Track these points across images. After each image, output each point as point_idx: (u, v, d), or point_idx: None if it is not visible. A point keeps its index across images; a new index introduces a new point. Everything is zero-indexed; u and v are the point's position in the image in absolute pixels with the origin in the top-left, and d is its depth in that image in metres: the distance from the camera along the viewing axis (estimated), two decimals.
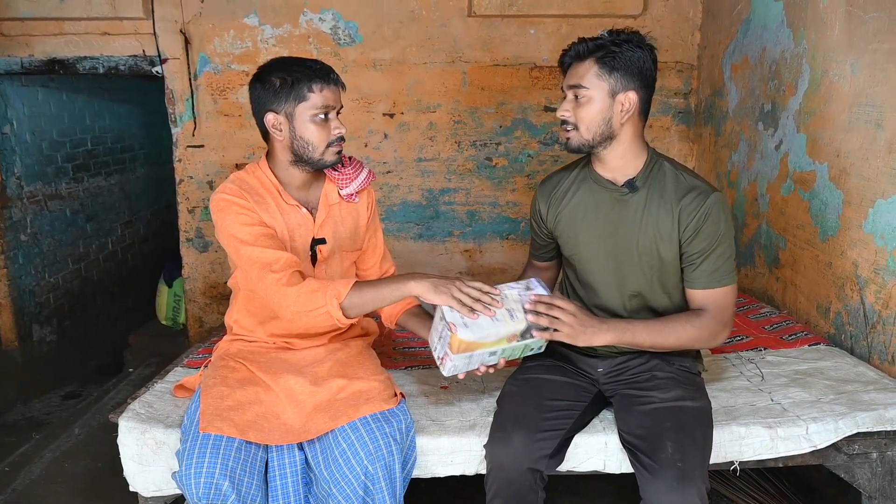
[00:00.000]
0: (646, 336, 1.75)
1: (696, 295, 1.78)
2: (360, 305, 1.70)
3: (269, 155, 1.88)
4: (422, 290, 1.66)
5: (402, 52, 3.57)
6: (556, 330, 1.68)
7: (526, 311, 1.67)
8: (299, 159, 1.81)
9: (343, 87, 1.82)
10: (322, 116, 1.77)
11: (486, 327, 1.63)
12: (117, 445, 1.83)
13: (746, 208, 3.05)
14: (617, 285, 1.85)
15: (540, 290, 1.73)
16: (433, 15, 3.53)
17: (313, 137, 1.77)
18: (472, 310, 1.62)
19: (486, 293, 1.66)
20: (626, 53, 1.69)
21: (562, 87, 1.79)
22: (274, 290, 1.71)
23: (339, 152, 1.84)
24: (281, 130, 1.78)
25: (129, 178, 5.03)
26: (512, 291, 1.71)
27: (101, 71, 3.56)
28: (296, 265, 1.77)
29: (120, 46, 3.54)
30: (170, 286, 4.32)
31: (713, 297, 1.76)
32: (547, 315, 1.67)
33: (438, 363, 1.72)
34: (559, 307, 1.68)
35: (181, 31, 3.50)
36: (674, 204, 1.75)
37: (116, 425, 1.84)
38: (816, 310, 2.50)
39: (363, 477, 1.60)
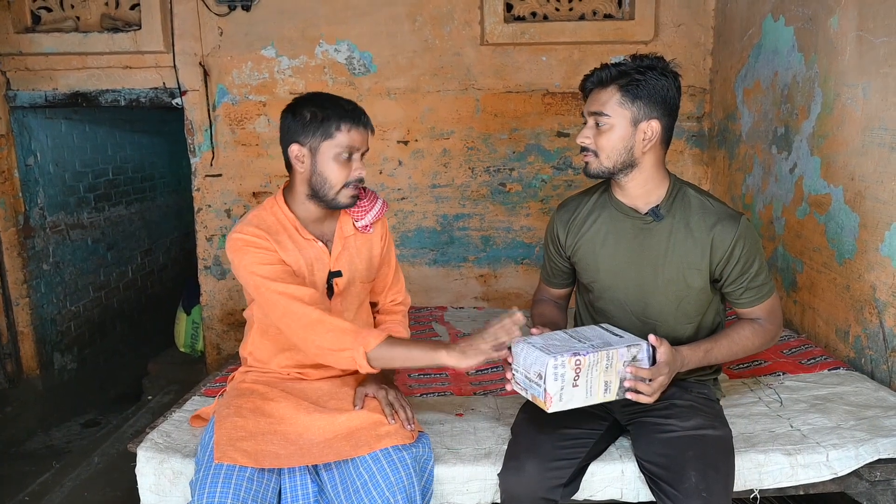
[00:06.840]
0: (719, 359, 1.79)
1: (747, 312, 1.82)
2: (388, 360, 1.70)
3: (288, 187, 1.90)
4: (453, 361, 1.62)
5: (416, 80, 3.62)
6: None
7: (622, 386, 1.62)
8: (315, 194, 1.82)
9: (372, 130, 1.84)
10: (345, 156, 1.78)
11: (578, 400, 1.60)
12: (135, 475, 1.84)
13: (762, 231, 3.03)
14: (638, 314, 1.83)
15: (644, 360, 1.63)
16: (446, 44, 3.58)
17: (332, 175, 1.78)
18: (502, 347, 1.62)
19: (503, 330, 1.61)
20: (650, 82, 1.66)
21: (582, 113, 1.77)
22: (302, 323, 1.72)
23: (355, 196, 1.84)
24: (303, 163, 1.80)
25: (148, 206, 5.12)
26: (622, 358, 1.61)
27: (123, 103, 3.65)
28: (322, 302, 1.78)
29: (141, 79, 3.63)
30: (188, 313, 4.36)
31: (762, 309, 1.81)
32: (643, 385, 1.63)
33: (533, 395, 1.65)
34: (656, 380, 1.63)
35: (200, 64, 3.59)
36: (704, 233, 1.74)
37: (135, 455, 1.85)
38: (835, 333, 2.48)
39: None
